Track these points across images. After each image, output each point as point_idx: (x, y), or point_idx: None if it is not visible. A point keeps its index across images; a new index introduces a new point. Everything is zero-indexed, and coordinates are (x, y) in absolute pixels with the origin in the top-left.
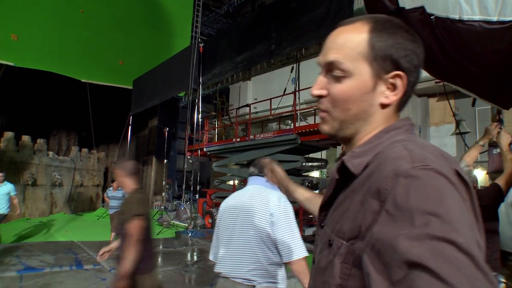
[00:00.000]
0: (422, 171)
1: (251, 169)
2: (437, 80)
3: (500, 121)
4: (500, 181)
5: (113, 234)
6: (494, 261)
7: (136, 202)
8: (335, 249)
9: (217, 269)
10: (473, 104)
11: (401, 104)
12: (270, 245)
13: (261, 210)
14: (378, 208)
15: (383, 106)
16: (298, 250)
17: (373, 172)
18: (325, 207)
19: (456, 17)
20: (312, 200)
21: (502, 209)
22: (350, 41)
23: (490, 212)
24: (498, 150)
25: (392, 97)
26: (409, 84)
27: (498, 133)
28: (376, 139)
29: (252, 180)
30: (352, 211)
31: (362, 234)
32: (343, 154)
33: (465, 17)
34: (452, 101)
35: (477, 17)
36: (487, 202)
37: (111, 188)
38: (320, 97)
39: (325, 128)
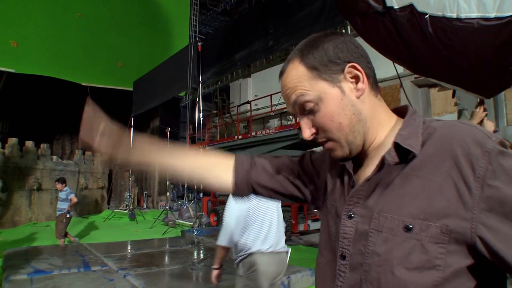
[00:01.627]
0: (503, 144)
1: None
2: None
3: (483, 103)
4: None
5: (62, 240)
6: None
7: None
8: (418, 232)
9: (258, 247)
10: (453, 95)
11: (373, 85)
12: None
13: None
14: (476, 184)
15: (362, 99)
16: None
17: (444, 150)
18: (357, 195)
19: (454, 15)
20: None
21: None
22: (296, 78)
23: None
24: None
25: (361, 86)
26: (363, 66)
27: (482, 121)
28: (411, 121)
29: None
30: (433, 191)
31: (459, 212)
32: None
33: (463, 15)
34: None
35: (474, 14)
36: None
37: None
38: (314, 135)
39: (339, 154)
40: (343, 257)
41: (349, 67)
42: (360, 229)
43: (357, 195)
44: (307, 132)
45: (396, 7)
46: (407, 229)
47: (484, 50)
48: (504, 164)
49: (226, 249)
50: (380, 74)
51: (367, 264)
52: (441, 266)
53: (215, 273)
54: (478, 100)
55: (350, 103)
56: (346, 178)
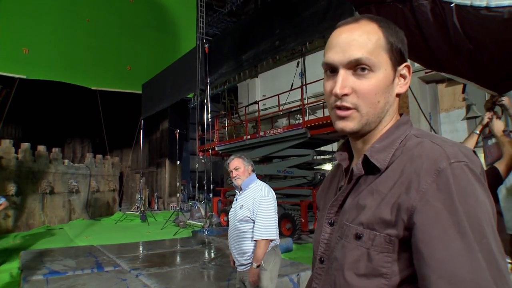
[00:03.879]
0: (458, 167)
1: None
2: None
3: (493, 109)
4: (500, 165)
5: None
6: (501, 242)
7: None
8: (368, 241)
9: (278, 240)
10: (464, 91)
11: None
12: None
13: None
14: (417, 196)
15: (398, 95)
16: None
17: (405, 167)
18: (335, 203)
19: (483, 3)
20: None
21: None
22: (371, 38)
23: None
24: (494, 140)
25: (404, 87)
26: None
27: (490, 120)
28: (391, 134)
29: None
30: (385, 204)
31: (402, 224)
32: (344, 147)
33: (493, 3)
34: (461, 86)
35: (506, 2)
36: (491, 184)
37: None
38: (344, 95)
39: (351, 125)
40: (321, 261)
41: (407, 66)
42: (334, 236)
43: (335, 203)
44: (342, 89)
45: None
46: (358, 237)
47: (509, 44)
48: (449, 186)
49: (269, 243)
50: None
51: (331, 268)
52: (388, 275)
53: (256, 271)
54: (488, 96)
55: (391, 92)
56: (336, 184)
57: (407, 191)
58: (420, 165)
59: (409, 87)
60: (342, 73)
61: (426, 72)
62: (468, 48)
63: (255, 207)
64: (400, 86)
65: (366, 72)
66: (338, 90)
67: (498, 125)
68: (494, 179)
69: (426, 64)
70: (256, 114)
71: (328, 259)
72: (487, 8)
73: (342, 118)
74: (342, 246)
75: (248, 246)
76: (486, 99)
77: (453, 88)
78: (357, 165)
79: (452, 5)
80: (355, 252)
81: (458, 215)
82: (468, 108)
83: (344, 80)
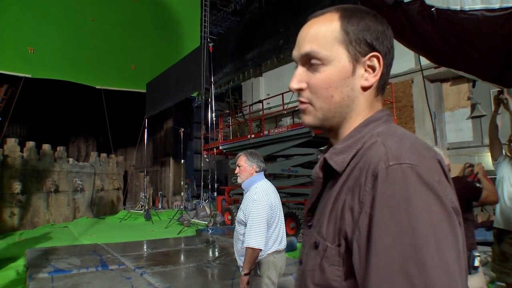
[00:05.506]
0: (397, 169)
1: (262, 164)
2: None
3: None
4: (484, 192)
5: None
6: (471, 245)
7: None
8: (321, 251)
9: (277, 247)
10: (474, 86)
11: (381, 86)
12: None
13: None
14: (359, 210)
15: (364, 89)
16: None
17: (354, 172)
18: (313, 207)
19: (458, 8)
20: None
21: (509, 189)
22: (323, 30)
23: (467, 204)
24: None
25: (371, 79)
26: (385, 65)
27: (507, 101)
28: (357, 133)
29: (262, 174)
30: (335, 212)
31: (348, 236)
32: (329, 147)
33: (467, 7)
34: (465, 85)
35: (478, 6)
36: (467, 195)
37: None
38: (299, 90)
39: (308, 119)
40: (300, 263)
41: (374, 56)
42: (310, 239)
43: (307, 206)
44: (296, 84)
45: (405, 0)
46: (315, 246)
47: (492, 39)
48: (382, 192)
49: (259, 252)
50: (392, 69)
51: (300, 271)
52: None
53: (246, 279)
54: (496, 91)
55: (352, 86)
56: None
57: (353, 200)
58: (364, 170)
59: (411, 85)
60: (299, 68)
61: (435, 67)
62: (457, 45)
63: (247, 212)
64: (366, 79)
65: (317, 66)
66: (291, 85)
67: None
68: (474, 196)
69: (433, 60)
70: (260, 113)
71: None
72: (462, 11)
73: (303, 112)
74: (306, 253)
75: (243, 249)
76: (492, 97)
77: (457, 87)
78: (315, 169)
79: (432, 9)
80: (313, 261)
81: (389, 227)
82: (473, 107)
83: (298, 75)
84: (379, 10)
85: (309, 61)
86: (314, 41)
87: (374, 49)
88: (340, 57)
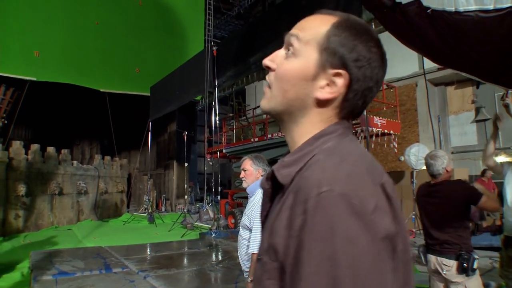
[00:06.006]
0: (326, 198)
1: (267, 168)
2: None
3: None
4: (484, 197)
5: None
6: (469, 247)
7: None
8: (263, 265)
9: None
10: (477, 87)
11: (345, 110)
12: None
13: None
14: (290, 232)
15: (319, 103)
16: None
17: (291, 190)
18: (265, 219)
19: (452, 9)
20: None
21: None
22: (313, 26)
23: (466, 207)
24: None
25: (326, 94)
26: (352, 90)
27: (507, 106)
28: (307, 146)
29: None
30: (276, 227)
31: (280, 254)
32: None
33: (461, 8)
34: (470, 88)
35: (472, 7)
36: (467, 197)
37: None
38: (268, 68)
39: (263, 103)
40: None
41: (336, 74)
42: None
43: (264, 219)
44: (268, 61)
45: (403, 2)
46: (259, 259)
47: (489, 40)
48: (311, 220)
49: None
50: (396, 73)
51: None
52: None
53: (251, 286)
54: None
55: (308, 91)
56: None
57: (288, 219)
58: (299, 191)
59: (415, 89)
60: (281, 49)
61: (439, 69)
62: (455, 45)
63: (252, 216)
64: (321, 91)
65: (290, 55)
66: (264, 60)
67: None
68: (469, 201)
69: (436, 61)
70: (264, 116)
71: None
72: (457, 12)
73: (264, 94)
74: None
75: (247, 254)
76: (496, 101)
77: (462, 90)
78: (264, 179)
79: (429, 10)
80: (258, 272)
81: (314, 255)
82: (478, 110)
83: (275, 55)
84: (380, 11)
85: (287, 46)
86: (300, 30)
87: (341, 65)
88: (309, 56)
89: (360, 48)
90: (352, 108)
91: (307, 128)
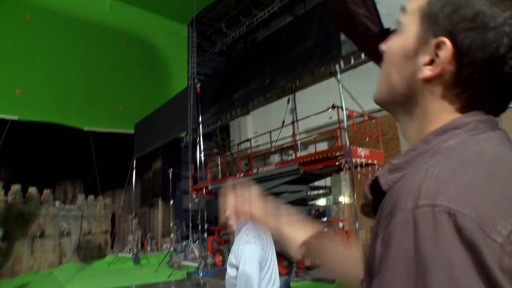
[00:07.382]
0: (424, 214)
1: None
2: None
3: None
4: None
5: None
6: None
7: None
8: (360, 285)
9: None
10: None
11: (469, 96)
12: None
13: None
14: (381, 245)
15: (429, 87)
16: None
17: (391, 201)
18: None
19: None
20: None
21: None
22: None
23: None
24: None
25: (427, 71)
26: (463, 64)
27: None
28: (423, 144)
29: None
30: (371, 244)
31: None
32: None
33: None
34: None
35: None
36: None
37: None
38: (384, 54)
39: (374, 92)
40: None
41: (437, 44)
42: None
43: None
44: (382, 46)
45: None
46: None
47: None
48: (396, 243)
49: None
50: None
51: None
52: None
53: None
54: None
55: (412, 70)
56: None
57: (379, 235)
58: (392, 200)
59: None
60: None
61: None
62: None
63: (238, 255)
64: (423, 69)
65: (398, 31)
66: (380, 45)
67: None
68: None
69: None
70: (249, 151)
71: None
72: None
73: None
74: None
75: None
76: None
77: None
78: (365, 188)
79: None
80: None
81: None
82: None
83: (388, 40)
84: (363, 37)
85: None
86: (409, 1)
87: (449, 36)
88: (410, 28)
89: (474, 1)
90: (478, 93)
91: (422, 121)
